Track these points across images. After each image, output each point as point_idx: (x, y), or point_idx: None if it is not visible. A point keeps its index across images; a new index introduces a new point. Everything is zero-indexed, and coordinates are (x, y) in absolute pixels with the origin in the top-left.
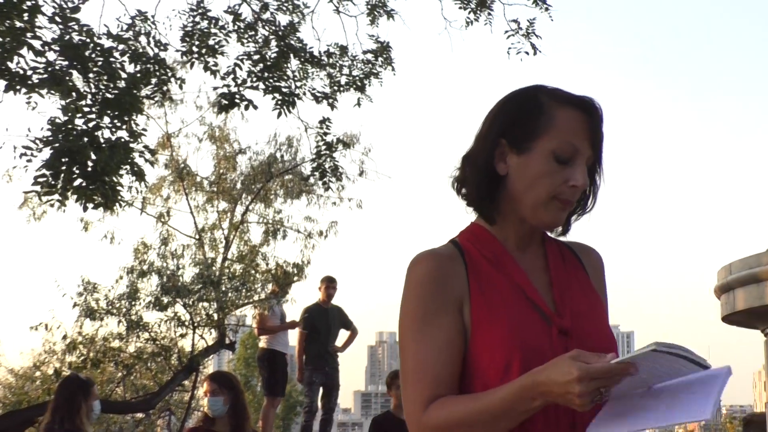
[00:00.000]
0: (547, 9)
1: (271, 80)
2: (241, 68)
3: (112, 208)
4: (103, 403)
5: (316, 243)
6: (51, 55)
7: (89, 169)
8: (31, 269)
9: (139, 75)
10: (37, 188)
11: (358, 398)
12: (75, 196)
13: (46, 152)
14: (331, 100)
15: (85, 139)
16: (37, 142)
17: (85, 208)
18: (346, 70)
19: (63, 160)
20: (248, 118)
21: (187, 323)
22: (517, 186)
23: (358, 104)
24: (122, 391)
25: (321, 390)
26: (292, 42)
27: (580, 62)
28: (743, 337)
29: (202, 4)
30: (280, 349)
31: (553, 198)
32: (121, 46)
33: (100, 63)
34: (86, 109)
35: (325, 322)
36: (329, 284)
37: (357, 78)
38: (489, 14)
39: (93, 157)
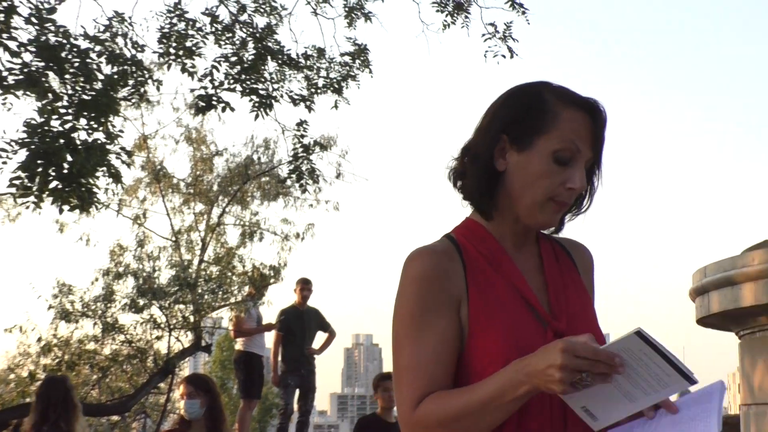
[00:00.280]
0: (524, 12)
1: (248, 82)
2: (218, 70)
3: (88, 210)
4: None
5: (292, 245)
6: (27, 56)
7: (65, 170)
8: (6, 271)
9: (116, 76)
10: (13, 190)
11: (334, 400)
12: (51, 198)
13: (22, 154)
14: (308, 103)
15: (62, 141)
16: (13, 143)
17: (61, 210)
18: (323, 73)
19: (39, 161)
20: (225, 120)
21: (163, 325)
22: (514, 184)
23: (336, 106)
24: (97, 394)
25: (297, 392)
26: (270, 44)
27: (557, 66)
28: (718, 340)
29: (179, 6)
30: (256, 351)
31: (550, 199)
32: (97, 48)
33: (76, 64)
34: (62, 111)
35: (301, 324)
36: (304, 286)
37: (334, 80)
38: (466, 17)
39: (69, 158)
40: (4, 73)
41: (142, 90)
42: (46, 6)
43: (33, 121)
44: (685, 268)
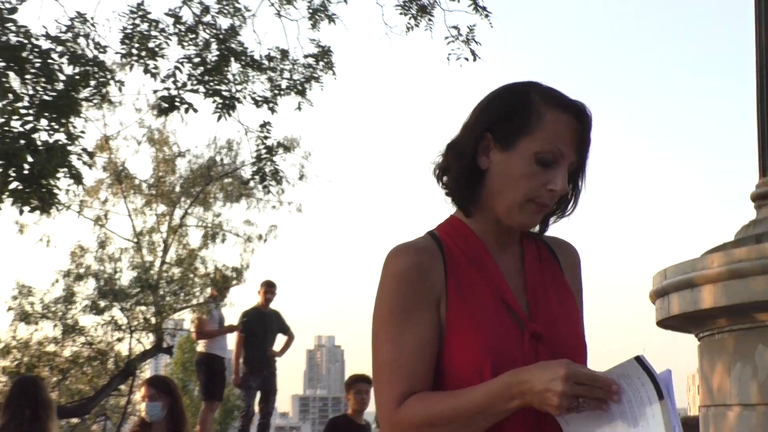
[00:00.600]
0: (487, 16)
1: (211, 83)
2: (181, 71)
3: (48, 211)
4: None
5: (255, 247)
6: None
7: (26, 171)
8: None
9: (77, 77)
10: None
11: (296, 402)
12: (11, 199)
13: None
14: (271, 104)
15: (22, 142)
16: None
17: (21, 211)
18: (286, 74)
19: None
20: (188, 122)
21: (124, 327)
22: (495, 183)
23: (299, 108)
24: (57, 396)
25: (258, 394)
26: (233, 45)
27: (520, 70)
28: (678, 342)
29: (142, 6)
30: (218, 353)
31: (530, 200)
32: (59, 48)
33: (37, 64)
34: (23, 111)
35: (263, 326)
36: (268, 289)
37: (298, 82)
38: (429, 20)
39: (30, 159)
40: None
41: (104, 91)
42: (7, 6)
43: None
44: (645, 271)
